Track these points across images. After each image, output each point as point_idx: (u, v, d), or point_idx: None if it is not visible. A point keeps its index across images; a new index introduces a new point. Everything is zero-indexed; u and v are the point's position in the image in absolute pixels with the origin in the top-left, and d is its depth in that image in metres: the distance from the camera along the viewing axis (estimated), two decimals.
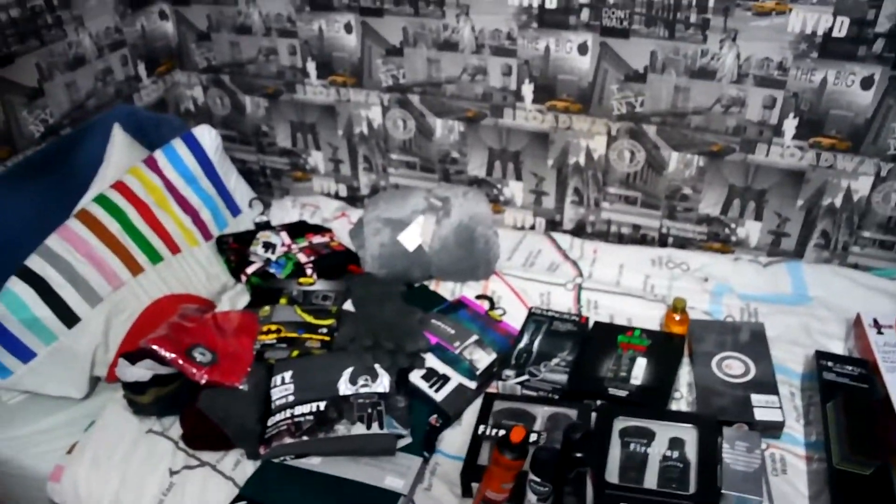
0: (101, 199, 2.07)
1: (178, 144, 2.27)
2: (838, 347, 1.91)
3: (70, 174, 2.21)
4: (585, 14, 2.12)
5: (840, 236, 2.22)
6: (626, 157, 2.32)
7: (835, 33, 1.93)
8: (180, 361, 1.79)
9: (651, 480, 1.49)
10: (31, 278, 1.87)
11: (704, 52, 2.06)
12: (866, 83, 1.98)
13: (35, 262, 1.89)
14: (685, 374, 1.86)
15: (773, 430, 1.66)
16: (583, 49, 2.18)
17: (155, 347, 1.79)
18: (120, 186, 2.12)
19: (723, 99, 2.12)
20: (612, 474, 1.51)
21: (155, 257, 2.12)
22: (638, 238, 2.46)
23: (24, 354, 1.89)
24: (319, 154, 2.77)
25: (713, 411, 1.68)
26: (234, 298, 2.26)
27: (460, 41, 2.30)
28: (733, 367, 1.80)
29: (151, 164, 2.21)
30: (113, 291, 2.00)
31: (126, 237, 2.06)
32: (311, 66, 2.56)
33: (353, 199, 2.81)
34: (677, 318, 1.93)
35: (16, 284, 1.86)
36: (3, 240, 1.99)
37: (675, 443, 1.57)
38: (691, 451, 1.55)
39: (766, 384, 1.74)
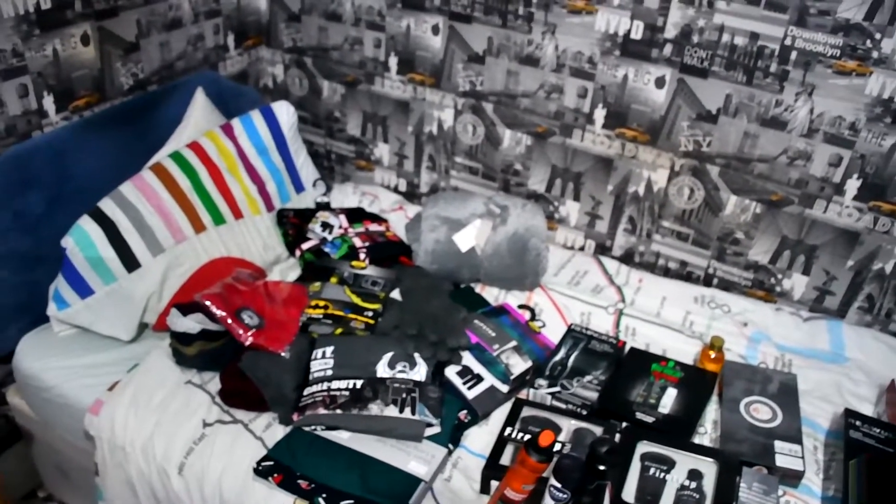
0: (176, 156, 2.15)
1: (256, 116, 2.34)
2: (867, 410, 1.92)
3: (150, 128, 2.31)
4: (668, 49, 2.16)
5: (885, 303, 2.22)
6: (685, 194, 2.35)
7: None
8: (229, 320, 1.85)
9: None
10: (101, 219, 1.94)
11: (779, 102, 2.09)
12: None
13: (107, 205, 1.97)
14: (712, 411, 1.88)
15: (792, 478, 1.68)
16: (660, 83, 2.22)
17: (207, 303, 1.85)
18: (195, 147, 2.20)
19: (789, 150, 2.14)
20: (629, 494, 1.55)
21: (218, 219, 2.19)
22: (683, 274, 2.49)
23: (84, 290, 1.96)
24: (386, 147, 2.83)
25: (735, 450, 1.70)
26: (285, 271, 2.33)
27: (542, 58, 2.35)
28: (761, 411, 1.81)
29: (228, 130, 2.28)
30: (175, 245, 2.07)
31: (195, 195, 2.13)
32: (393, 61, 2.63)
33: (412, 195, 2.87)
34: (713, 355, 1.95)
35: (87, 223, 1.93)
36: (81, 180, 2.09)
37: (694, 474, 1.60)
38: (709, 485, 1.58)
39: (792, 433, 1.75)
